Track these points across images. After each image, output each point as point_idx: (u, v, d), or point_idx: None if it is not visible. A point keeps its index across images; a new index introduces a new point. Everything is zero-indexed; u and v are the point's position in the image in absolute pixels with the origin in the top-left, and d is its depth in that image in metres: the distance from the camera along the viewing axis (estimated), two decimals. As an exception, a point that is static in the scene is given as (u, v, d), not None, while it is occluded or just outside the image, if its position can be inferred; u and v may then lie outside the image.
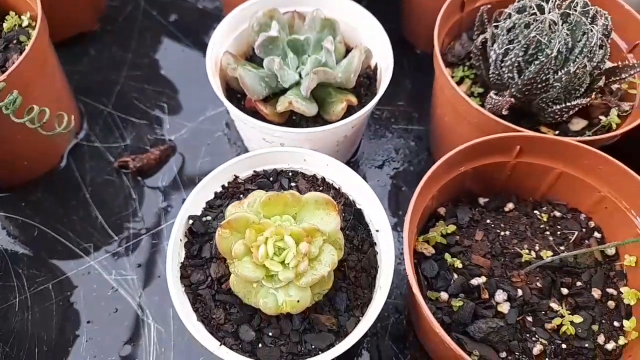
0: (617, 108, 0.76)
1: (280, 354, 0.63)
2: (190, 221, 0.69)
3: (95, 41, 1.13)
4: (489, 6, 0.81)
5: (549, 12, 0.70)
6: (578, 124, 0.79)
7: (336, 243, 0.63)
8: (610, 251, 0.71)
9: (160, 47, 1.12)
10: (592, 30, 0.68)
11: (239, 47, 0.89)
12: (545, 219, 0.73)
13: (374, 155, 1.00)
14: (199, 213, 0.71)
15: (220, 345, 0.62)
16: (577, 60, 0.69)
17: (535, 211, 0.74)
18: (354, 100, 0.80)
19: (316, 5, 0.88)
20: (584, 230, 0.72)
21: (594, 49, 0.68)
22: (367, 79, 0.87)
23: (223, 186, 0.73)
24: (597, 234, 0.72)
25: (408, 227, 0.61)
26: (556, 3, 0.70)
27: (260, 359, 0.62)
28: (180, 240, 0.68)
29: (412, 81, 1.08)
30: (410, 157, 0.99)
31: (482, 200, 0.77)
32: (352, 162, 0.99)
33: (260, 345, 0.64)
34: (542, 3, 0.71)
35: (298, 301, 0.59)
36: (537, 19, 0.71)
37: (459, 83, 0.84)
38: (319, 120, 0.83)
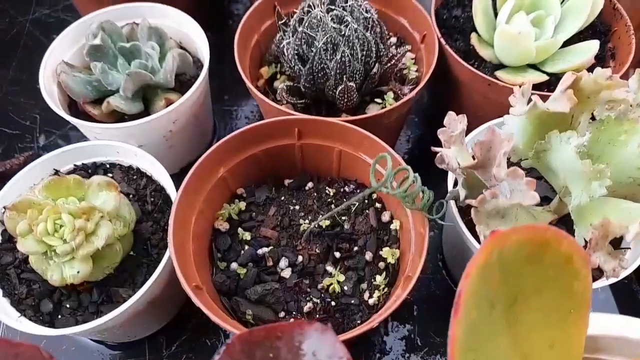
0: (399, 91, 0.85)
1: (76, 322, 0.71)
2: (3, 210, 0.77)
3: (-21, 61, 1.22)
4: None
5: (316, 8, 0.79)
6: (373, 108, 0.87)
7: (120, 219, 0.71)
8: (385, 218, 0.79)
9: (39, 64, 1.21)
10: (347, 26, 0.77)
11: (82, 57, 0.98)
12: (332, 194, 0.81)
13: (227, 150, 1.09)
14: (18, 204, 0.79)
15: (20, 316, 0.70)
16: (343, 50, 0.77)
17: (328, 187, 0.82)
18: (172, 97, 0.89)
19: (150, 16, 0.97)
20: (366, 202, 0.80)
21: (352, 39, 0.77)
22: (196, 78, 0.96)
23: (43, 179, 0.81)
24: (378, 204, 0.80)
25: (176, 207, 0.69)
26: (326, 2, 0.80)
27: (57, 327, 0.70)
28: (-6, 228, 0.76)
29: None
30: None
31: (287, 182, 0.85)
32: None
33: (59, 316, 0.72)
34: (316, 2, 0.81)
35: (78, 272, 0.67)
36: (311, 15, 0.80)
37: (274, 79, 0.93)
38: (149, 118, 0.91)
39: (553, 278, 0.47)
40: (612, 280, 0.67)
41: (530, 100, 0.65)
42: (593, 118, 0.69)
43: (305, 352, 0.44)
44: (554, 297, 0.48)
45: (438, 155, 0.65)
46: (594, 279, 0.71)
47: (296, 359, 0.44)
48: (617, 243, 0.77)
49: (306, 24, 0.78)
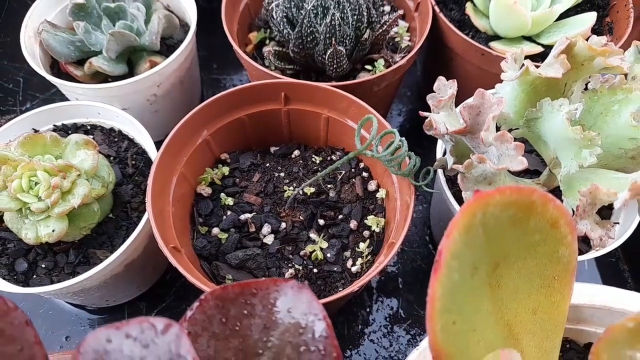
0: (390, 59, 0.83)
1: (51, 282, 0.69)
2: (-20, 168, 0.74)
3: (-37, 22, 1.19)
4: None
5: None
6: (364, 76, 0.85)
7: (98, 179, 0.69)
8: (372, 187, 0.77)
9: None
10: (341, -13, 0.74)
11: (66, 17, 0.95)
12: (319, 162, 0.79)
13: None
14: (-5, 163, 0.77)
15: (-7, 275, 0.68)
16: (333, 13, 0.75)
17: (315, 155, 0.80)
18: (157, 60, 0.86)
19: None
20: (353, 170, 0.79)
21: (343, 3, 0.75)
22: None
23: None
24: (365, 173, 0.79)
25: (156, 167, 0.67)
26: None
27: (31, 287, 0.68)
28: (-31, 185, 0.73)
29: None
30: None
31: (273, 149, 0.83)
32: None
33: (34, 276, 0.70)
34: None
35: (53, 231, 0.65)
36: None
37: (264, 44, 0.90)
38: (134, 81, 0.89)
39: (538, 242, 0.45)
40: (599, 252, 0.66)
41: (522, 66, 0.63)
42: (587, 89, 0.67)
43: (280, 309, 0.42)
44: (539, 262, 0.47)
45: (427, 120, 0.64)
46: (581, 253, 0.70)
47: (271, 316, 0.43)
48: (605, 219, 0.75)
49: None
